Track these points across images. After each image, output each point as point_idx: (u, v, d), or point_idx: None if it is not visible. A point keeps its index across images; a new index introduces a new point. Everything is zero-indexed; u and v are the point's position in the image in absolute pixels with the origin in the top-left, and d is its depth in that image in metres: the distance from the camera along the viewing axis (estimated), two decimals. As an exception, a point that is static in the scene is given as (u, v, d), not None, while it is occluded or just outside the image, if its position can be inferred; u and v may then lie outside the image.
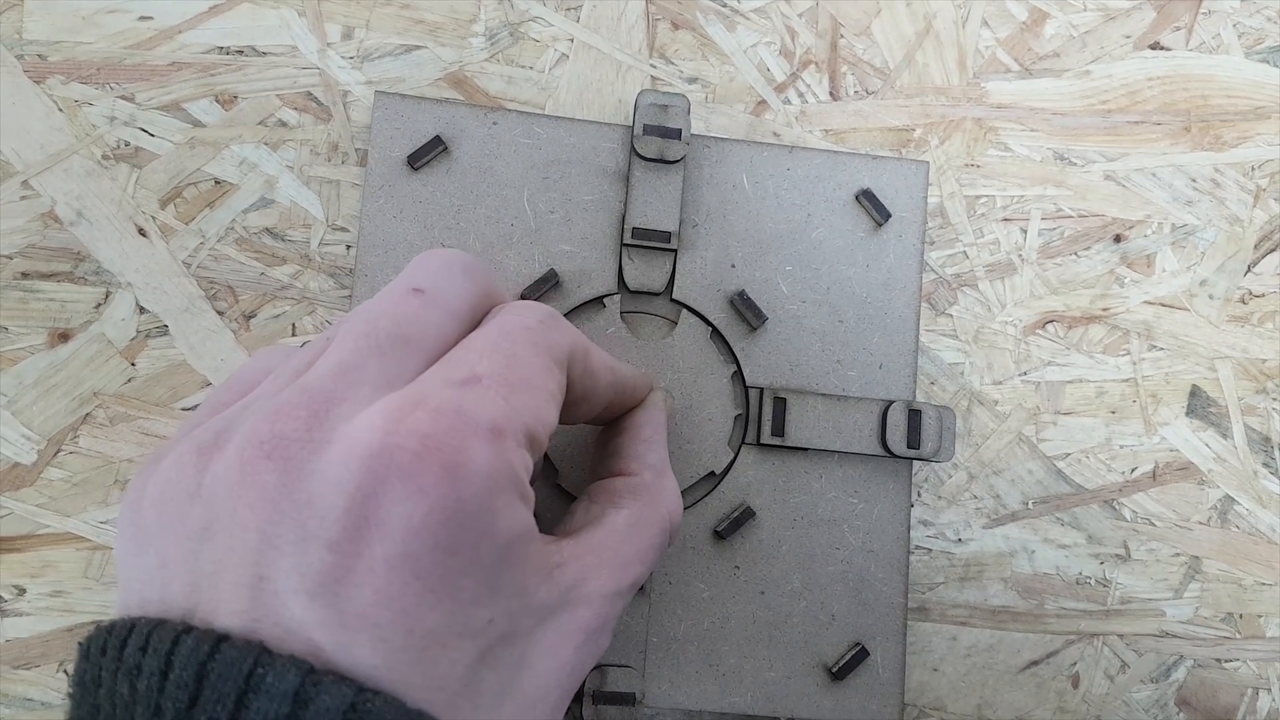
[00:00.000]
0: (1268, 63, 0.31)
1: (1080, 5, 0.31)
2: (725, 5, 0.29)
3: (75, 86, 0.27)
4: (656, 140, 0.26)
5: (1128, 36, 0.31)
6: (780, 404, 0.26)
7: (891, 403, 0.26)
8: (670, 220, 0.27)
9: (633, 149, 0.26)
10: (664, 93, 0.27)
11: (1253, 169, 0.31)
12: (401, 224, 0.26)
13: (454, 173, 0.27)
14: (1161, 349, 0.30)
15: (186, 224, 0.27)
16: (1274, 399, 0.30)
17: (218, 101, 0.27)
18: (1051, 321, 0.29)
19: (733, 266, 0.27)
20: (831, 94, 0.29)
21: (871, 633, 0.26)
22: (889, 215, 0.28)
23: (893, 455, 0.26)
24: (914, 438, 0.26)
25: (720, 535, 0.26)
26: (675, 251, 0.27)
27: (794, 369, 0.27)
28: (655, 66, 0.29)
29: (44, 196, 0.26)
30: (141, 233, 0.27)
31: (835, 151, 0.28)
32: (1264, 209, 0.31)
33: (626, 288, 0.27)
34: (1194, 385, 0.30)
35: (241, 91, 0.27)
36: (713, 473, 0.26)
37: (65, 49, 0.27)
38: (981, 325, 0.29)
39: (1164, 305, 0.30)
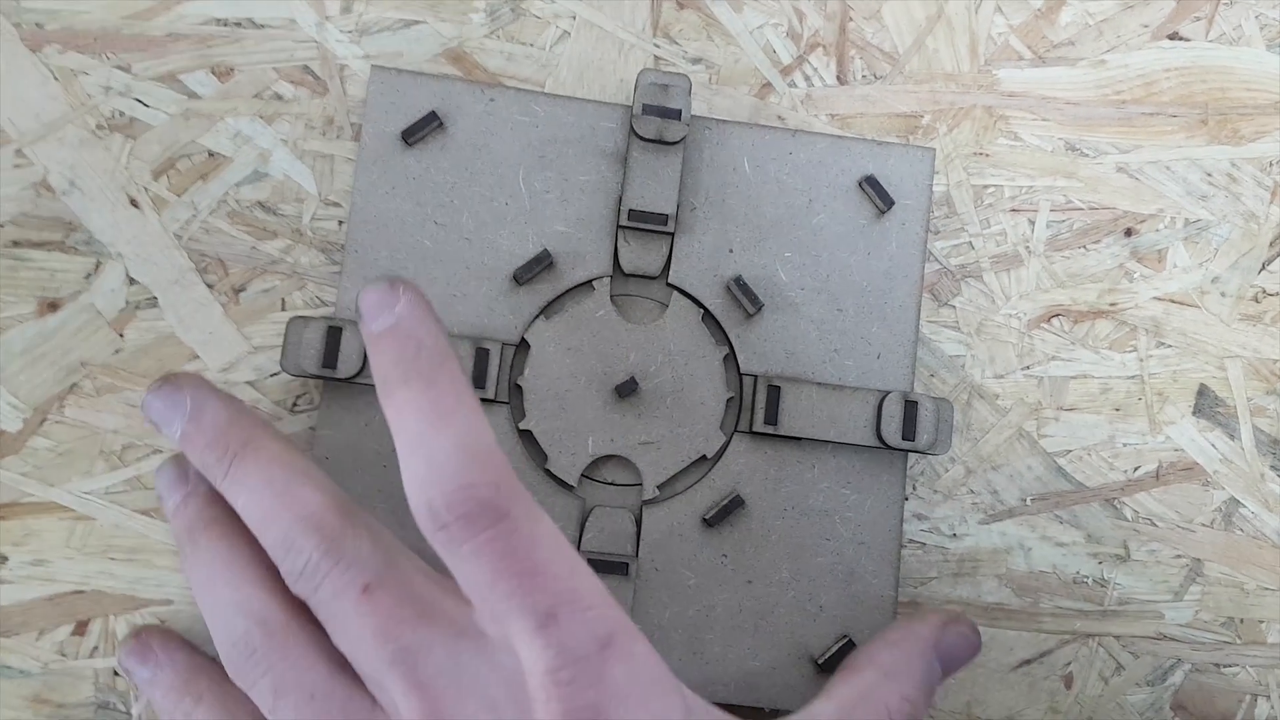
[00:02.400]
0: (1290, 54, 0.30)
1: (1097, -9, 0.30)
2: (731, -15, 0.29)
3: (72, 55, 0.27)
4: (656, 120, 0.26)
5: (1145, 26, 0.30)
6: (774, 392, 0.26)
7: (888, 393, 0.26)
8: (668, 203, 0.26)
9: (631, 129, 0.26)
10: (665, 72, 0.26)
11: (1270, 164, 0.30)
12: (395, 200, 0.26)
13: (449, 150, 0.26)
14: (1170, 346, 0.29)
15: (179, 196, 0.27)
16: (1284, 401, 0.29)
17: (214, 73, 0.27)
18: (1057, 315, 0.29)
19: (730, 251, 0.27)
20: (839, 78, 0.29)
21: (860, 626, 0.26)
22: (892, 203, 0.27)
23: (887, 447, 0.26)
24: (910, 430, 0.26)
25: (709, 523, 0.26)
26: (672, 235, 0.26)
27: (790, 357, 0.27)
28: (659, 46, 0.28)
29: (37, 165, 0.26)
30: (133, 204, 0.26)
31: (839, 136, 0.27)
32: (1280, 206, 0.30)
33: (621, 270, 0.26)
34: (1202, 384, 0.29)
35: (238, 64, 0.27)
36: (704, 456, 0.26)
37: (63, 17, 0.27)
38: (985, 317, 0.28)
39: (1174, 302, 0.29)
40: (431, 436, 0.19)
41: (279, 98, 0.27)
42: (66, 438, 0.26)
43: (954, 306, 0.28)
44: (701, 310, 0.27)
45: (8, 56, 0.26)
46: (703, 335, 0.26)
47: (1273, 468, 0.29)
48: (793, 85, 0.29)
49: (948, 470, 0.28)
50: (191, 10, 0.27)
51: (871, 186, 0.27)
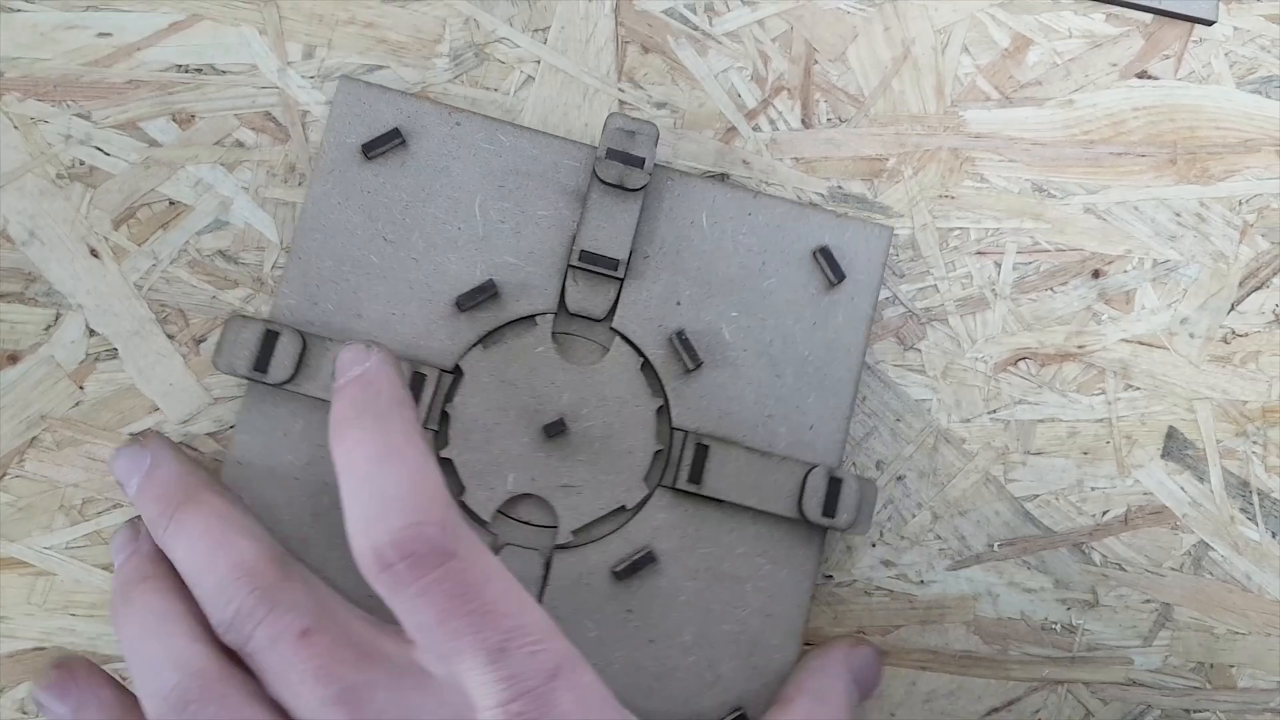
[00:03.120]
0: (1260, 93, 0.30)
1: (1065, 32, 0.30)
2: (697, 29, 0.29)
3: (31, 103, 0.27)
4: (618, 166, 0.26)
5: (1114, 65, 0.30)
6: (702, 451, 0.25)
7: (814, 467, 0.26)
8: (620, 248, 0.26)
9: (594, 171, 0.26)
10: (633, 119, 0.26)
11: (1240, 203, 0.30)
12: (346, 212, 0.26)
13: (409, 168, 0.26)
14: (1138, 389, 0.29)
15: (139, 245, 0.27)
16: (1254, 442, 0.29)
17: (175, 121, 0.27)
18: (1024, 359, 0.29)
19: (678, 304, 0.26)
20: (803, 121, 0.29)
21: (756, 699, 0.25)
22: (843, 276, 0.27)
23: (807, 521, 0.25)
24: (831, 506, 0.25)
25: (618, 576, 0.25)
26: (621, 280, 0.26)
27: (723, 417, 0.26)
28: (624, 90, 0.28)
29: (-3, 215, 0.26)
30: (94, 254, 0.26)
31: (800, 204, 0.27)
32: (1250, 245, 0.30)
33: (566, 309, 0.26)
34: (1171, 427, 0.29)
35: (199, 111, 0.27)
36: (624, 507, 0.26)
37: (23, 65, 0.27)
38: (951, 361, 0.28)
39: (1142, 343, 0.29)
40: (379, 475, 0.20)
41: (240, 145, 0.27)
42: (26, 492, 0.26)
43: (919, 350, 0.28)
44: (641, 359, 0.26)
45: (-32, 105, 0.26)
46: (639, 384, 0.26)
47: (1242, 510, 0.29)
48: (757, 129, 0.28)
49: (914, 516, 0.28)
50: (152, 57, 0.27)
51: (825, 258, 0.27)
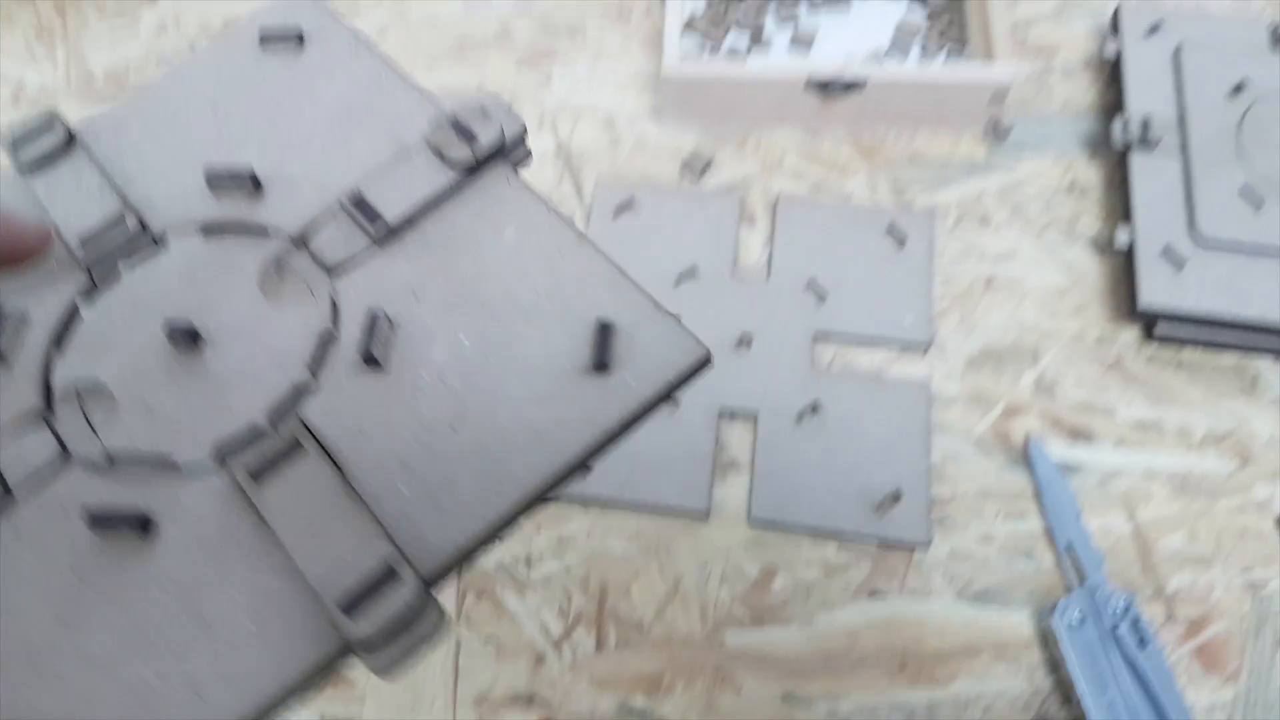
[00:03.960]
0: (976, 603, 0.37)
1: (805, 562, 0.38)
2: (516, 578, 0.39)
3: None
4: (450, 134, 0.24)
5: (847, 587, 0.37)
6: (290, 452, 0.20)
7: (393, 550, 0.19)
8: (395, 211, 0.23)
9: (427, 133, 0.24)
10: (502, 102, 0.24)
11: (966, 704, 0.35)
12: (212, 77, 0.27)
13: (289, 68, 0.27)
14: None
15: None
16: None
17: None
18: None
19: (414, 296, 0.22)
20: (597, 645, 0.37)
21: None
22: (607, 367, 0.20)
23: (325, 605, 0.19)
24: (368, 608, 0.18)
25: (98, 522, 0.20)
26: (375, 242, 0.23)
27: (358, 436, 0.21)
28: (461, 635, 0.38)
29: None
30: None
31: (626, 274, 0.22)
32: (979, 742, 0.34)
33: (306, 244, 0.23)
34: None
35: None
36: (173, 463, 0.21)
37: None
38: None
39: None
40: None
41: None
42: None
43: None
44: (333, 331, 0.22)
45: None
46: (302, 348, 0.22)
47: None
48: (561, 655, 0.37)
49: None
50: None
51: (601, 336, 0.21)
